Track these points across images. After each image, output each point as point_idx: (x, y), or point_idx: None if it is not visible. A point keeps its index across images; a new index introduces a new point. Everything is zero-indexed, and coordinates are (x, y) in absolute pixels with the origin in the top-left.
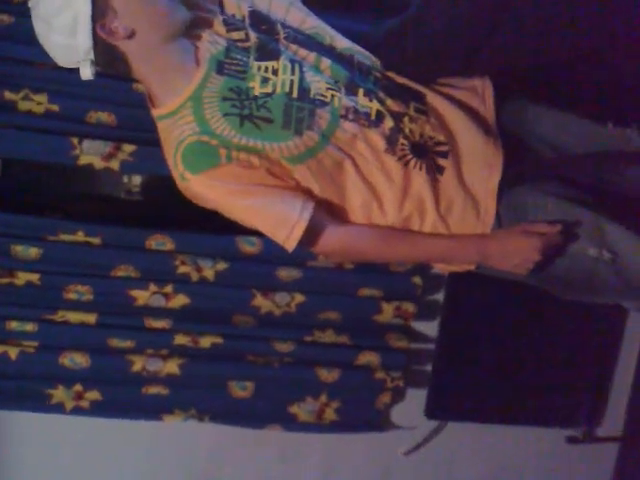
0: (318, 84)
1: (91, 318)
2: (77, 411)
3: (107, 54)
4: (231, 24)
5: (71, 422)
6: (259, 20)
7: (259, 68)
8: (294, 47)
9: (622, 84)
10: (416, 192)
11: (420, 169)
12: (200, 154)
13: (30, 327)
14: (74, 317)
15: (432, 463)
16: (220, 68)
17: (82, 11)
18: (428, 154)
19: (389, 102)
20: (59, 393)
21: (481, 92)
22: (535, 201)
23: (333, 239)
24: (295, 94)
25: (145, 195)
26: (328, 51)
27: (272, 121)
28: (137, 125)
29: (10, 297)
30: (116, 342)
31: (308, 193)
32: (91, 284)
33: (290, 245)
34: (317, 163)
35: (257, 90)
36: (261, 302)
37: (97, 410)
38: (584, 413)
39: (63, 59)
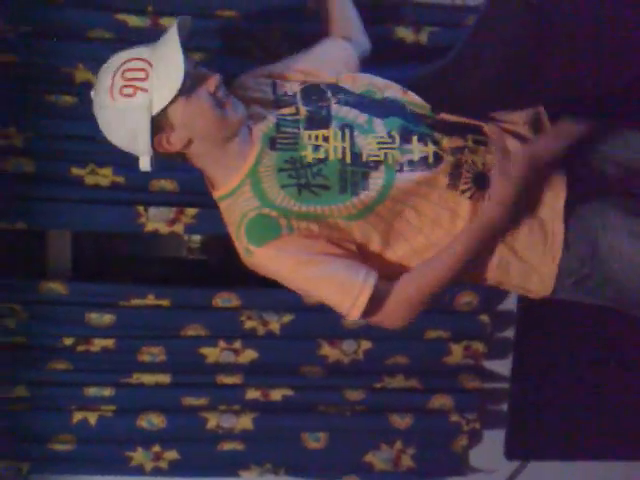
0: (369, 146)
1: (165, 378)
2: (156, 472)
3: (166, 156)
4: (282, 102)
5: None
6: (310, 93)
7: (309, 137)
8: (345, 110)
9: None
10: None
11: (484, 199)
12: (262, 227)
13: (107, 392)
14: (148, 379)
15: None
16: (273, 144)
17: (140, 127)
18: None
19: (445, 141)
20: (138, 455)
21: (535, 118)
22: (603, 222)
23: (398, 296)
24: (348, 159)
25: (206, 252)
26: (380, 106)
27: (329, 187)
28: (197, 189)
29: (87, 364)
30: (190, 400)
31: (369, 251)
32: (163, 345)
33: (354, 314)
34: (376, 216)
35: (310, 157)
36: (328, 351)
37: (176, 470)
38: None
39: (123, 149)
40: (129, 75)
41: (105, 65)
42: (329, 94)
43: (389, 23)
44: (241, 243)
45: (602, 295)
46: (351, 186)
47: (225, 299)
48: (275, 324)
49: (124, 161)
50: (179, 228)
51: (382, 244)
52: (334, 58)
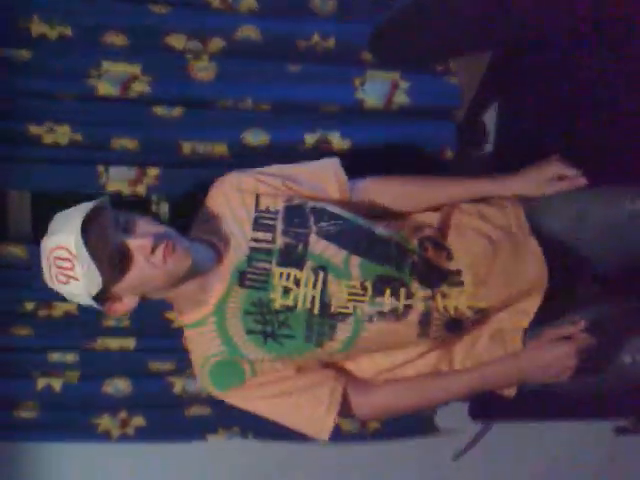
0: (340, 295)
1: (130, 343)
2: (123, 438)
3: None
4: (260, 224)
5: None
6: (292, 216)
7: (281, 275)
8: (323, 244)
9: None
10: (450, 352)
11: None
12: (225, 374)
13: (71, 357)
14: (113, 344)
15: (481, 465)
16: (242, 280)
17: (88, 304)
18: (463, 327)
19: (420, 293)
20: (105, 422)
21: (516, 217)
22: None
23: (370, 408)
24: (316, 310)
25: (174, 222)
26: (364, 237)
27: (294, 337)
28: (160, 148)
29: (50, 329)
30: (156, 365)
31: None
32: None
33: (324, 437)
34: (341, 357)
35: (278, 302)
36: None
37: (142, 435)
38: (631, 402)
39: None
40: (59, 264)
41: (42, 247)
42: (311, 222)
43: None
44: (205, 385)
45: None
46: (316, 336)
47: None
48: None
49: (83, 118)
50: (142, 189)
51: (352, 363)
52: (330, 182)
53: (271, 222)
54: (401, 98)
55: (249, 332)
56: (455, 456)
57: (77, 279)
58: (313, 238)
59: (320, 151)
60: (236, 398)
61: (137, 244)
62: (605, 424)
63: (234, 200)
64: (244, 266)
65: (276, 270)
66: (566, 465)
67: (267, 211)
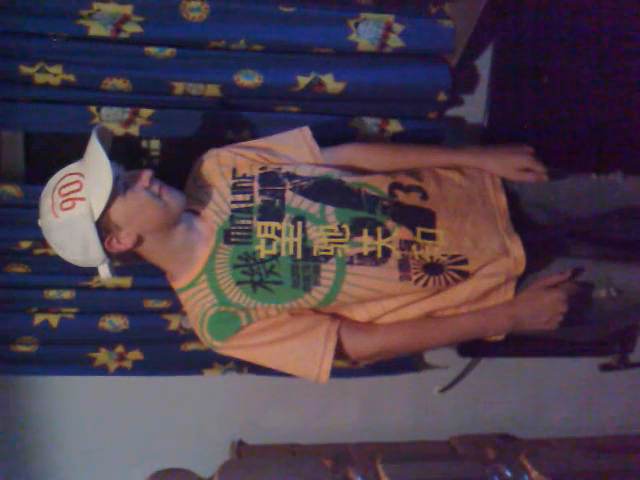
0: (320, 239)
1: (126, 282)
2: (121, 371)
3: (120, 257)
4: (238, 188)
5: (115, 383)
6: (267, 180)
7: (262, 229)
8: (298, 199)
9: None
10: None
11: (440, 283)
12: (222, 323)
13: (68, 294)
14: (109, 282)
15: (467, 400)
16: (227, 237)
17: (88, 234)
18: (444, 269)
19: (396, 232)
20: (102, 356)
21: (489, 181)
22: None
23: (365, 349)
24: (299, 255)
25: (164, 159)
26: (335, 191)
27: (282, 283)
28: (152, 88)
29: (46, 267)
30: (151, 303)
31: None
32: None
33: (323, 380)
34: (333, 307)
35: (263, 253)
36: None
37: (140, 369)
38: (616, 340)
39: (82, 265)
40: (65, 190)
41: (43, 191)
42: (285, 180)
43: None
44: (205, 339)
45: None
46: (303, 281)
47: None
48: None
49: (75, 59)
50: (134, 130)
51: (347, 312)
52: (301, 150)
53: (248, 185)
54: (395, 41)
55: (239, 283)
56: (441, 389)
57: (83, 199)
58: (289, 194)
59: (313, 93)
60: (236, 348)
61: (136, 173)
62: (592, 361)
63: (214, 174)
64: (228, 225)
65: (257, 225)
66: (548, 403)
67: (244, 177)
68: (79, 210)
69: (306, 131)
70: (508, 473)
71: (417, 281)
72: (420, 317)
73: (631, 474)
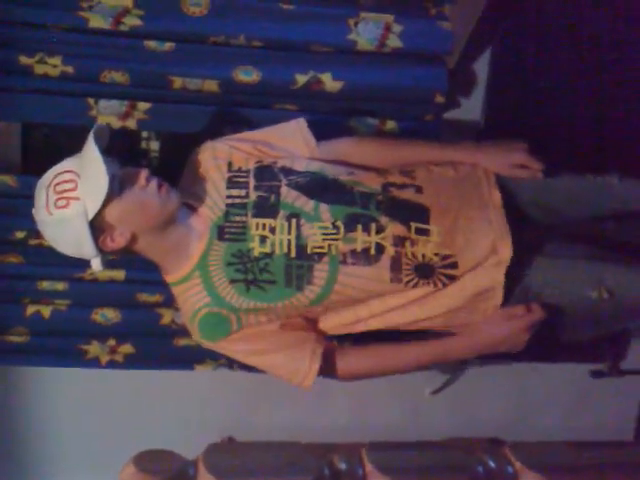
0: (314, 237)
1: (120, 275)
2: (112, 364)
3: (114, 254)
4: (234, 182)
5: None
6: (263, 172)
7: (257, 226)
8: (294, 194)
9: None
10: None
11: (429, 287)
12: (213, 325)
13: (61, 286)
14: (102, 275)
15: (458, 402)
16: (221, 234)
17: (81, 233)
18: (435, 272)
19: (390, 228)
20: (94, 348)
21: (485, 179)
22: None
23: (345, 374)
24: (293, 254)
25: (163, 160)
26: (330, 188)
27: (275, 282)
28: (150, 82)
29: (40, 258)
30: (144, 297)
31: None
32: None
33: (306, 386)
34: (324, 307)
35: (257, 250)
36: None
37: (131, 363)
38: (608, 347)
39: (75, 257)
40: (60, 188)
41: (38, 183)
42: (281, 176)
43: None
44: (195, 335)
45: None
46: (296, 279)
47: None
48: None
49: (74, 50)
50: (131, 123)
51: (334, 314)
52: (297, 143)
53: (243, 179)
54: (394, 41)
55: (232, 281)
56: (433, 391)
57: (77, 199)
58: (284, 189)
59: (311, 91)
60: (225, 349)
61: (133, 172)
62: (583, 367)
63: (210, 167)
64: (222, 221)
65: (252, 221)
66: (539, 408)
67: (239, 170)
68: (73, 210)
69: (302, 123)
70: (492, 464)
71: (407, 283)
72: (389, 343)
73: (614, 466)
